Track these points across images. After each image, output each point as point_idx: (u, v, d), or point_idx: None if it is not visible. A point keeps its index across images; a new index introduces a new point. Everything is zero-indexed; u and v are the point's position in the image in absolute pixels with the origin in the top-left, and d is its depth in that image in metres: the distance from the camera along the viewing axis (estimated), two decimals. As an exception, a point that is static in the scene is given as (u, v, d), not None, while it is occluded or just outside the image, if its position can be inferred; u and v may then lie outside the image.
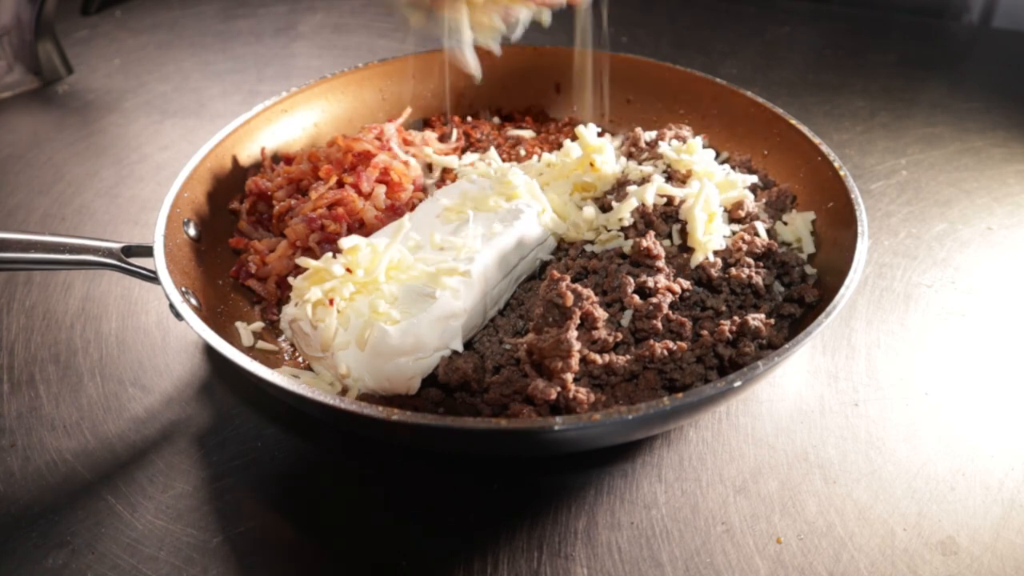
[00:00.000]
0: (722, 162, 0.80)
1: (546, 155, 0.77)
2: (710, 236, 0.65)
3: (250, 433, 0.62)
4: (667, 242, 0.67)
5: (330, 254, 0.64)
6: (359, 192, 0.72)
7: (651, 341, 0.58)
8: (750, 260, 0.65)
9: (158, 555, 0.53)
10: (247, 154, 0.82)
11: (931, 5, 1.33)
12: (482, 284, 0.63)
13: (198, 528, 0.55)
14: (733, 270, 0.64)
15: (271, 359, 0.66)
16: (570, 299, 0.56)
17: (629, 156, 0.79)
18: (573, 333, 0.55)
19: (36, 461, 0.60)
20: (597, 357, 0.57)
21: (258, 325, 0.68)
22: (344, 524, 0.55)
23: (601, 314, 0.59)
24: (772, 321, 0.61)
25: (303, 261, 0.62)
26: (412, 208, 0.74)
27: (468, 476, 0.58)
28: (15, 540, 0.55)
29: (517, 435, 0.48)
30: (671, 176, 0.72)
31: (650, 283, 0.61)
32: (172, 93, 1.16)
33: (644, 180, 0.71)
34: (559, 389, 0.54)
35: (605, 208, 0.71)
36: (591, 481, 0.58)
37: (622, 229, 0.68)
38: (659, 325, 0.59)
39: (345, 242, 0.62)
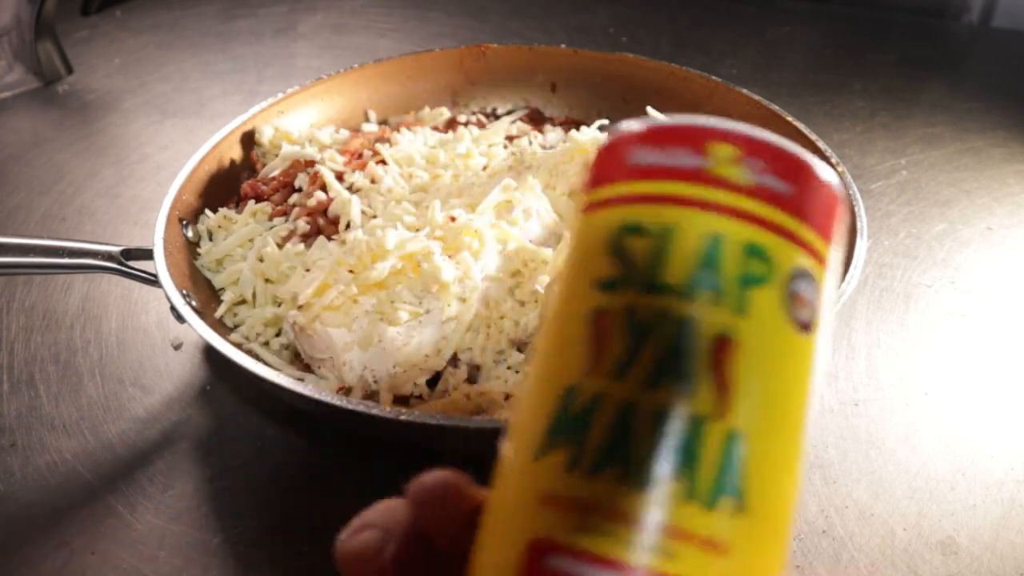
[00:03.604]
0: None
1: (543, 152, 0.77)
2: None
3: (251, 434, 0.62)
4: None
5: (331, 251, 0.64)
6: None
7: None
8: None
9: (158, 555, 0.53)
10: (244, 156, 0.82)
11: (931, 5, 1.33)
12: (486, 285, 0.63)
13: (198, 528, 0.55)
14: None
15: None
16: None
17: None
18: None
19: (36, 461, 0.60)
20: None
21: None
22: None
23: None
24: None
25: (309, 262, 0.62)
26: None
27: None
28: (15, 540, 0.55)
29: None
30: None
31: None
32: (172, 93, 1.16)
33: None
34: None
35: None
36: (591, 481, 0.58)
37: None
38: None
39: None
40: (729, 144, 0.23)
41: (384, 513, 0.27)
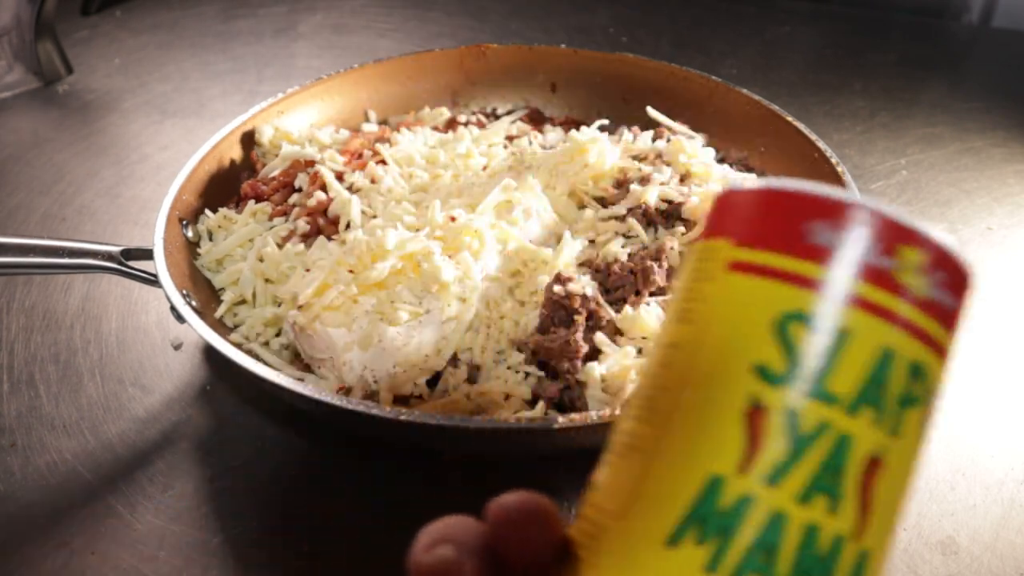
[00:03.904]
0: (719, 160, 0.80)
1: (543, 152, 0.77)
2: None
3: (251, 434, 0.62)
4: (671, 242, 0.67)
5: (331, 251, 0.64)
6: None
7: (651, 341, 0.58)
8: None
9: (158, 555, 0.53)
10: (244, 156, 0.82)
11: (931, 5, 1.33)
12: (486, 285, 0.63)
13: (198, 528, 0.55)
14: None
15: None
16: (577, 299, 0.56)
17: (628, 156, 0.79)
18: (581, 334, 0.55)
19: (36, 461, 0.60)
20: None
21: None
22: (344, 526, 0.55)
23: (606, 314, 0.59)
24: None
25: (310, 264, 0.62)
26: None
27: (469, 477, 0.58)
28: (15, 540, 0.55)
29: (520, 434, 0.48)
30: (672, 174, 0.72)
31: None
32: (172, 93, 1.16)
33: (644, 179, 0.71)
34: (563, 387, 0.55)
35: (605, 207, 0.71)
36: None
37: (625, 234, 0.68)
38: (659, 325, 0.59)
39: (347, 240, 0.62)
40: (919, 250, 0.22)
41: (457, 527, 0.26)
